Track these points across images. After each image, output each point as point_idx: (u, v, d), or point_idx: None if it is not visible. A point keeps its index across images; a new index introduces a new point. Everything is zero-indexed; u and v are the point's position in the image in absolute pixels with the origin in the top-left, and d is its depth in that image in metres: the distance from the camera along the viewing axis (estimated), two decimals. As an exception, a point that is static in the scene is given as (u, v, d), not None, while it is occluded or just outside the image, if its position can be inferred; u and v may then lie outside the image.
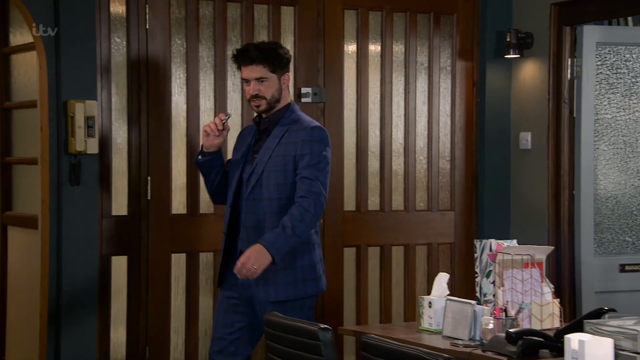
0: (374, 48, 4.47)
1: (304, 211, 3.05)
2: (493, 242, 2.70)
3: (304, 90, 4.28)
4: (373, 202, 4.48)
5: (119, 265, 3.92)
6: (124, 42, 3.91)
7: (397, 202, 4.53)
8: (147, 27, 3.93)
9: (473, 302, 2.51)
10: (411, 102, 4.54)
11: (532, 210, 4.53)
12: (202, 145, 3.23)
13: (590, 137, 4.40)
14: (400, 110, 4.53)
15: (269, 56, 3.13)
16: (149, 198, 3.95)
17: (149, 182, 3.95)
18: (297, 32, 4.27)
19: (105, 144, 3.87)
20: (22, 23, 4.25)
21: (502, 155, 4.64)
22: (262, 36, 4.20)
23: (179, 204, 3.99)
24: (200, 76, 4.07)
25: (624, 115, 4.47)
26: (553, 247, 2.71)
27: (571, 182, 4.41)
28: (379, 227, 4.48)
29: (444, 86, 4.62)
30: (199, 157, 3.21)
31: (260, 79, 3.12)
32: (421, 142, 4.58)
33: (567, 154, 4.41)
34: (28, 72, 4.26)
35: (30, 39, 4.07)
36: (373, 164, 4.47)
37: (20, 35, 4.36)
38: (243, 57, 3.13)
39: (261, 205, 3.10)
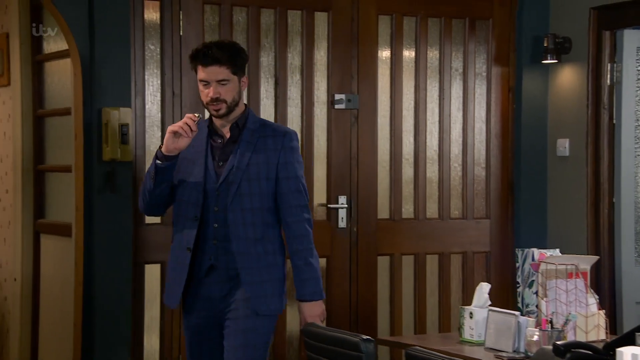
0: (408, 54, 4.44)
1: (310, 237, 2.91)
2: (535, 251, 2.65)
3: (337, 96, 4.27)
4: (407, 210, 4.45)
5: (152, 273, 3.93)
6: (158, 49, 3.92)
7: (432, 210, 4.50)
8: (181, 33, 3.94)
9: (517, 313, 2.47)
10: (446, 109, 4.51)
11: (570, 219, 4.47)
12: (160, 148, 2.88)
13: (631, 143, 4.34)
14: (435, 116, 4.50)
15: (232, 57, 2.87)
16: (182, 206, 3.95)
17: (183, 190, 3.95)
18: (331, 38, 4.26)
19: (139, 151, 3.88)
20: (55, 30, 4.28)
21: (538, 162, 4.59)
22: (295, 42, 4.19)
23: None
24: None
25: (666, 121, 4.41)
26: (598, 257, 2.66)
27: (611, 190, 4.35)
28: (413, 235, 4.45)
29: (479, 92, 4.58)
30: (159, 162, 2.86)
31: (221, 81, 2.86)
32: (456, 149, 4.54)
33: (607, 160, 4.35)
34: (62, 79, 4.28)
35: (64, 47, 4.10)
36: (407, 171, 4.44)
37: (54, 43, 4.39)
38: (204, 57, 2.85)
39: (240, 216, 2.85)
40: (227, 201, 2.85)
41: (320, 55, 4.26)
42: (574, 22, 4.44)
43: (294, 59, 4.20)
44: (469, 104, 4.56)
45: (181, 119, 2.93)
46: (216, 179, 2.88)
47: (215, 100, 2.86)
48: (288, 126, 4.17)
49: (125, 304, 3.79)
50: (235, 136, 2.92)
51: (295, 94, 4.22)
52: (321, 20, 4.26)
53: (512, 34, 4.58)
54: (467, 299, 4.54)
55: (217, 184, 2.88)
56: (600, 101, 4.36)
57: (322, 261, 4.26)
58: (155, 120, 3.95)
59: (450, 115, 4.52)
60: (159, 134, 3.95)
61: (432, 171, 4.50)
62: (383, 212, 4.40)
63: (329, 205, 4.27)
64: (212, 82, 2.85)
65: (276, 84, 4.16)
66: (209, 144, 2.92)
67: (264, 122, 2.99)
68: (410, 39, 4.45)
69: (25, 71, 4.49)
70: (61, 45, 4.21)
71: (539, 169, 4.60)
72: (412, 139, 4.45)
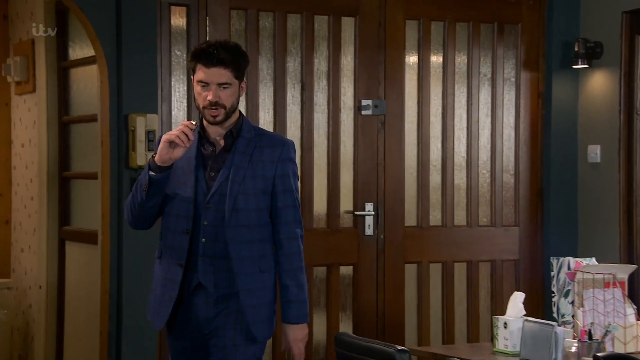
0: (436, 59, 4.41)
1: (301, 255, 2.72)
2: (571, 260, 2.61)
3: (364, 102, 4.24)
4: (435, 217, 4.42)
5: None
6: (184, 55, 3.92)
7: (460, 217, 4.46)
8: (207, 39, 3.94)
9: (554, 323, 2.42)
10: (474, 114, 4.47)
11: (601, 227, 4.42)
12: (152, 158, 2.63)
13: (665, 150, 4.28)
14: (463, 122, 4.46)
15: (237, 60, 2.65)
16: (208, 213, 3.94)
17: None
18: (358, 43, 4.24)
19: (165, 158, 3.87)
20: (81, 37, 4.29)
21: (569, 168, 4.54)
22: (322, 47, 4.18)
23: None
24: (260, 89, 4.06)
25: (698, 127, 4.34)
26: (635, 266, 2.62)
27: (644, 197, 4.29)
28: (441, 243, 4.41)
29: (508, 98, 4.54)
30: (152, 173, 2.61)
31: (223, 84, 2.63)
32: (484, 155, 4.50)
33: (640, 167, 4.29)
34: (88, 86, 4.30)
35: (90, 53, 4.11)
36: (435, 178, 4.41)
37: (79, 49, 4.41)
38: (209, 57, 2.61)
39: (239, 234, 2.64)
40: (222, 216, 2.64)
41: (347, 61, 4.24)
42: (606, 26, 4.39)
43: (320, 64, 4.18)
44: (498, 110, 4.52)
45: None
46: (207, 191, 2.66)
47: (215, 104, 2.62)
48: (314, 132, 4.16)
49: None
50: (229, 145, 2.68)
51: (321, 100, 4.20)
52: (348, 25, 4.24)
53: (542, 39, 4.54)
54: (496, 308, 4.49)
55: (208, 195, 2.66)
56: (633, 106, 4.31)
57: (349, 269, 4.24)
58: (181, 127, 3.95)
59: (478, 121, 4.48)
60: (186, 140, 3.94)
61: (459, 178, 4.46)
62: (410, 219, 4.36)
63: (355, 213, 4.24)
64: (213, 84, 2.62)
65: (302, 89, 4.15)
66: (199, 152, 2.68)
67: (260, 131, 2.76)
68: (438, 43, 4.42)
69: (51, 78, 4.52)
70: (87, 51, 4.23)
71: (569, 175, 4.54)
72: (439, 145, 4.42)
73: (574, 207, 4.54)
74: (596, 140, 4.46)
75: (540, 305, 4.50)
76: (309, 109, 4.17)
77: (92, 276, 4.04)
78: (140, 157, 3.65)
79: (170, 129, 3.92)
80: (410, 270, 4.35)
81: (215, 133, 2.69)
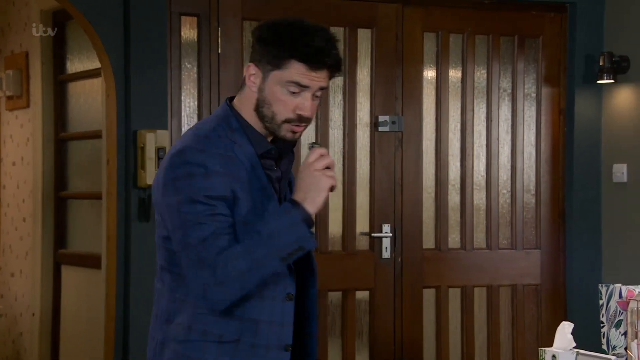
0: (454, 73, 4.36)
1: None
2: (623, 287, 2.54)
3: (381, 118, 4.18)
4: (453, 240, 4.35)
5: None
6: (195, 68, 3.85)
7: (479, 239, 4.39)
8: (219, 51, 3.86)
9: (612, 357, 2.35)
10: (494, 132, 4.42)
11: (629, 250, 4.36)
12: (301, 208, 1.94)
13: (695, 169, 4.24)
14: (482, 139, 4.41)
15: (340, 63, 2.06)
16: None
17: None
18: (375, 57, 4.18)
19: (174, 177, 3.78)
20: (81, 49, 4.21)
21: (592, 188, 4.49)
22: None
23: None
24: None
25: None
26: (691, 294, 2.55)
27: (674, 219, 4.24)
28: (460, 266, 4.34)
29: (529, 114, 4.49)
30: (313, 230, 1.95)
31: (317, 92, 2.02)
32: (504, 174, 4.45)
33: (670, 187, 4.25)
34: (88, 100, 4.21)
35: (91, 66, 4.02)
36: (453, 197, 4.35)
37: (79, 62, 4.33)
38: (325, 56, 1.98)
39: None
40: (305, 263, 2.03)
41: (363, 75, 4.19)
42: (632, 39, 4.36)
43: (336, 78, 4.10)
44: (518, 127, 4.47)
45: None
46: None
47: (306, 119, 2.01)
48: (329, 149, 4.08)
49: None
50: (285, 165, 2.08)
51: (337, 116, 4.14)
52: (364, 37, 4.18)
53: (564, 53, 4.50)
54: (518, 336, 4.42)
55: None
56: (662, 123, 4.26)
57: (365, 294, 4.16)
58: (191, 144, 3.86)
59: (498, 139, 4.43)
60: (196, 158, 3.86)
61: (479, 198, 4.40)
62: (428, 241, 4.30)
63: (372, 234, 4.16)
64: (311, 92, 1.98)
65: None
66: (267, 176, 2.02)
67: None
68: (457, 57, 4.37)
69: (47, 92, 4.44)
70: (88, 64, 4.15)
71: (593, 196, 4.49)
72: (458, 164, 4.36)
73: (597, 230, 4.48)
74: (622, 159, 4.41)
75: (563, 333, 4.42)
76: (324, 125, 4.10)
77: (92, 302, 3.94)
78: (150, 175, 3.56)
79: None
80: (429, 295, 4.28)
81: (266, 147, 2.03)
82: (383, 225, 4.18)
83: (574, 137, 4.48)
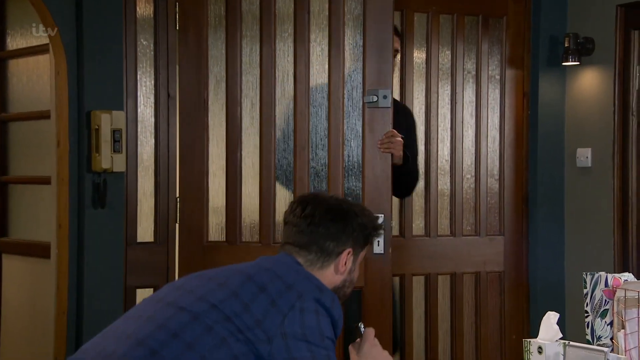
0: (419, 54, 4.30)
1: None
2: (609, 276, 2.53)
3: (345, 100, 4.08)
4: (417, 226, 4.31)
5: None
6: (151, 45, 3.71)
7: (443, 225, 4.36)
8: (177, 27, 3.72)
9: (605, 349, 2.33)
10: (458, 115, 4.38)
11: (592, 236, 4.38)
12: None
13: (661, 153, 4.28)
14: (447, 123, 4.37)
15: None
16: (177, 222, 3.74)
17: (179, 204, 3.74)
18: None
19: (130, 160, 3.65)
20: (23, 24, 4.03)
21: (556, 173, 4.50)
22: (319, 31, 3.90)
23: (215, 229, 3.76)
24: (242, 81, 3.81)
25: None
26: (679, 282, 2.55)
27: (639, 205, 4.27)
28: (424, 254, 4.30)
29: (493, 97, 4.47)
30: None
31: None
32: (468, 159, 4.42)
33: (635, 172, 4.27)
34: (33, 79, 4.04)
35: (35, 42, 3.86)
36: (418, 183, 4.30)
37: (20, 38, 4.14)
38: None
39: None
40: None
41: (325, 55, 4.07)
42: (598, 21, 4.36)
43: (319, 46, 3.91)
44: (482, 110, 4.44)
45: None
46: None
47: None
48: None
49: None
50: None
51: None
52: (326, 16, 4.06)
53: (528, 34, 4.48)
54: (481, 324, 4.41)
55: None
56: (628, 107, 4.28)
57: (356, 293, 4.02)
58: (148, 126, 3.74)
59: (462, 122, 4.39)
60: (152, 141, 3.73)
61: (443, 183, 4.36)
62: (393, 228, 4.23)
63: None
64: None
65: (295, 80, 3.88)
66: None
67: None
68: (422, 37, 4.31)
69: (-16, 70, 4.23)
70: (31, 40, 3.97)
71: (556, 181, 4.50)
72: (422, 148, 4.32)
73: (560, 215, 4.49)
74: (586, 143, 4.42)
75: (525, 324, 4.44)
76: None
77: (38, 294, 3.79)
78: (106, 159, 3.42)
79: (136, 128, 3.69)
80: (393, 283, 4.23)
81: None
82: None
83: (537, 120, 4.47)
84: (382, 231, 2.29)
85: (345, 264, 2.18)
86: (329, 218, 2.17)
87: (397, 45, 3.78)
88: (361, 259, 2.25)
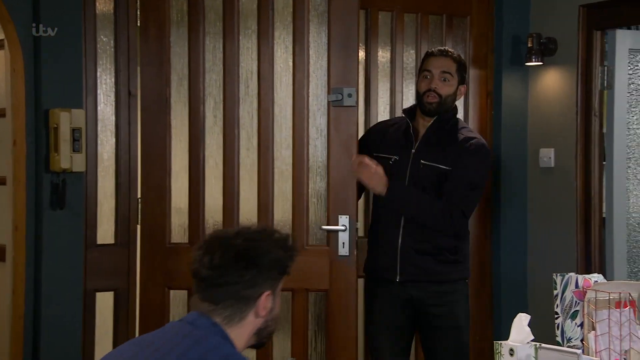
0: (384, 53, 4.28)
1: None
2: (579, 277, 2.52)
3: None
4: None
5: (105, 303, 3.62)
6: (112, 42, 3.62)
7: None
8: (138, 24, 3.64)
9: (578, 351, 2.31)
10: (422, 114, 4.35)
11: (555, 237, 4.39)
12: None
13: (623, 153, 4.30)
14: (411, 122, 4.34)
15: None
16: (139, 224, 3.66)
17: (140, 205, 3.66)
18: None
19: (90, 160, 3.56)
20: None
21: (519, 174, 4.50)
22: (283, 28, 3.85)
23: (177, 231, 3.68)
24: (205, 79, 3.73)
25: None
26: (648, 283, 2.55)
27: (601, 205, 4.29)
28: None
29: (457, 97, 4.46)
30: None
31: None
32: (432, 158, 4.39)
33: (597, 172, 4.29)
34: (-14, 75, 3.92)
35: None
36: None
37: (-26, 32, 4.01)
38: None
39: None
40: None
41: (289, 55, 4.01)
42: (561, 21, 4.37)
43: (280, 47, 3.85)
44: (447, 110, 4.42)
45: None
46: None
47: None
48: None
49: (74, 339, 3.47)
50: None
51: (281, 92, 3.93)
52: (291, 14, 4.01)
53: (491, 33, 4.48)
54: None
55: None
56: (591, 107, 4.29)
57: (319, 295, 3.92)
58: (108, 125, 3.65)
59: (427, 122, 4.37)
60: (113, 140, 3.64)
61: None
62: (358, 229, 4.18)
63: (327, 228, 3.85)
64: None
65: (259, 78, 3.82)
66: None
67: None
68: (386, 36, 4.28)
69: None
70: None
71: (520, 181, 4.50)
72: (387, 147, 4.28)
73: (524, 216, 4.50)
74: (549, 143, 4.43)
75: (488, 325, 4.44)
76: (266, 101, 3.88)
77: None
78: (65, 159, 3.33)
79: (96, 127, 3.60)
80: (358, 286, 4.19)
81: None
82: (340, 217, 3.77)
83: (501, 121, 4.48)
84: (296, 252, 2.14)
85: (265, 306, 2.05)
86: (241, 266, 2.00)
87: None
88: (280, 288, 2.12)
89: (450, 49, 3.59)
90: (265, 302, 2.03)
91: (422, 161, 3.49)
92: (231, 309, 2.00)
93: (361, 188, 3.70)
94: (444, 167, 3.46)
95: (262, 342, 2.10)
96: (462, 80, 3.57)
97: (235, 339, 2.01)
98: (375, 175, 3.43)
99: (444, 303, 3.49)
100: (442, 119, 3.51)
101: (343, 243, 3.73)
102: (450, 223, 3.45)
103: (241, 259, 2.00)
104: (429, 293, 3.48)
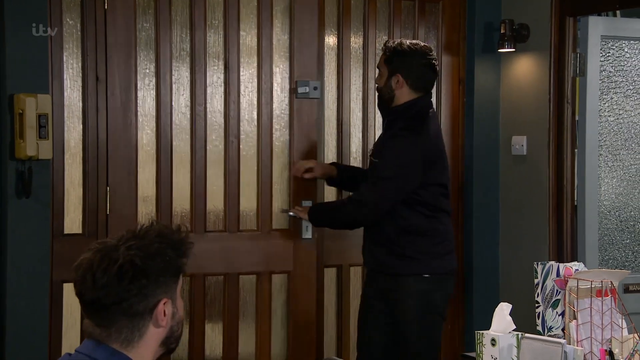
0: (356, 39, 4.22)
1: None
2: (560, 265, 2.49)
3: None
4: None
5: (72, 294, 3.48)
6: (78, 25, 3.51)
7: (381, 214, 4.29)
8: (106, 7, 3.54)
9: (562, 341, 2.28)
10: (395, 101, 4.31)
11: (527, 225, 4.37)
12: None
13: (595, 141, 4.29)
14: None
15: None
16: (108, 213, 3.57)
17: (109, 194, 3.57)
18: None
19: (56, 147, 3.46)
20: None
21: (491, 161, 4.48)
22: (249, 20, 3.81)
23: (145, 219, 3.61)
24: (173, 67, 3.67)
25: (626, 117, 4.38)
26: (628, 272, 2.53)
27: (573, 193, 4.28)
28: (361, 243, 4.21)
29: (429, 83, 4.41)
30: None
31: None
32: (407, 144, 4.35)
33: (570, 160, 4.27)
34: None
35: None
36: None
37: None
38: None
39: None
40: None
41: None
42: (533, 7, 4.34)
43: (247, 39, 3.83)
44: (419, 96, 4.37)
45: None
46: None
47: None
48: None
49: (41, 331, 3.37)
50: None
51: (248, 80, 3.89)
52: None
53: (463, 20, 4.44)
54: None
55: None
56: (564, 95, 4.27)
57: (283, 277, 3.94)
58: (75, 111, 3.55)
59: (399, 109, 4.32)
60: (80, 127, 3.54)
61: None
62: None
63: (289, 213, 3.90)
64: None
65: (226, 68, 3.79)
66: None
67: None
68: (359, 22, 4.22)
69: None
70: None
71: (492, 169, 4.48)
72: (360, 135, 4.24)
73: (495, 204, 4.48)
74: (522, 131, 4.41)
75: (460, 315, 4.42)
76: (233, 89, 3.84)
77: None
78: (31, 146, 3.22)
79: (62, 113, 3.51)
80: (330, 274, 4.15)
81: None
82: (303, 202, 3.92)
83: (473, 108, 4.45)
84: (188, 246, 1.86)
85: (164, 314, 1.84)
86: (127, 280, 1.77)
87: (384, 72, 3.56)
88: (179, 289, 1.88)
89: (388, 43, 3.55)
90: (164, 309, 1.82)
91: (371, 158, 3.59)
92: (126, 329, 1.80)
93: (330, 180, 3.84)
94: (376, 160, 3.51)
95: (171, 349, 1.90)
96: (396, 70, 3.47)
97: (140, 359, 1.82)
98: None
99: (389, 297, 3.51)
100: (388, 114, 3.55)
101: (307, 227, 3.91)
102: (367, 213, 3.46)
103: (126, 273, 1.77)
104: (378, 283, 3.53)
